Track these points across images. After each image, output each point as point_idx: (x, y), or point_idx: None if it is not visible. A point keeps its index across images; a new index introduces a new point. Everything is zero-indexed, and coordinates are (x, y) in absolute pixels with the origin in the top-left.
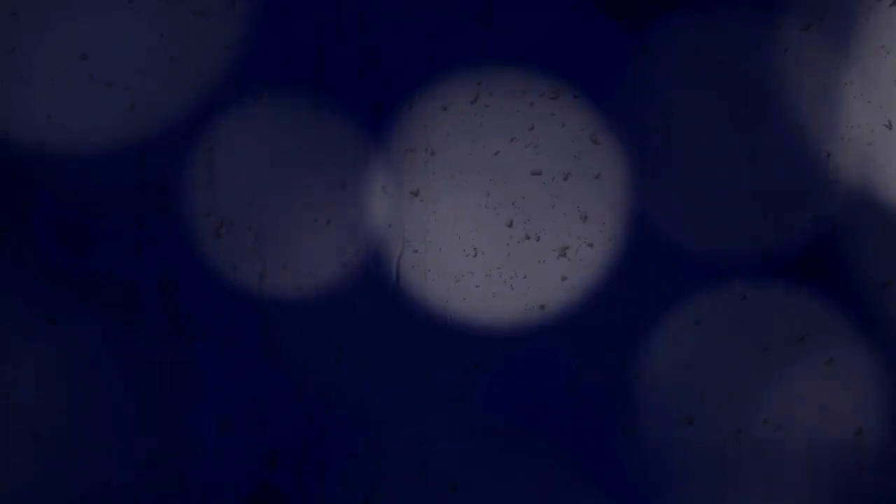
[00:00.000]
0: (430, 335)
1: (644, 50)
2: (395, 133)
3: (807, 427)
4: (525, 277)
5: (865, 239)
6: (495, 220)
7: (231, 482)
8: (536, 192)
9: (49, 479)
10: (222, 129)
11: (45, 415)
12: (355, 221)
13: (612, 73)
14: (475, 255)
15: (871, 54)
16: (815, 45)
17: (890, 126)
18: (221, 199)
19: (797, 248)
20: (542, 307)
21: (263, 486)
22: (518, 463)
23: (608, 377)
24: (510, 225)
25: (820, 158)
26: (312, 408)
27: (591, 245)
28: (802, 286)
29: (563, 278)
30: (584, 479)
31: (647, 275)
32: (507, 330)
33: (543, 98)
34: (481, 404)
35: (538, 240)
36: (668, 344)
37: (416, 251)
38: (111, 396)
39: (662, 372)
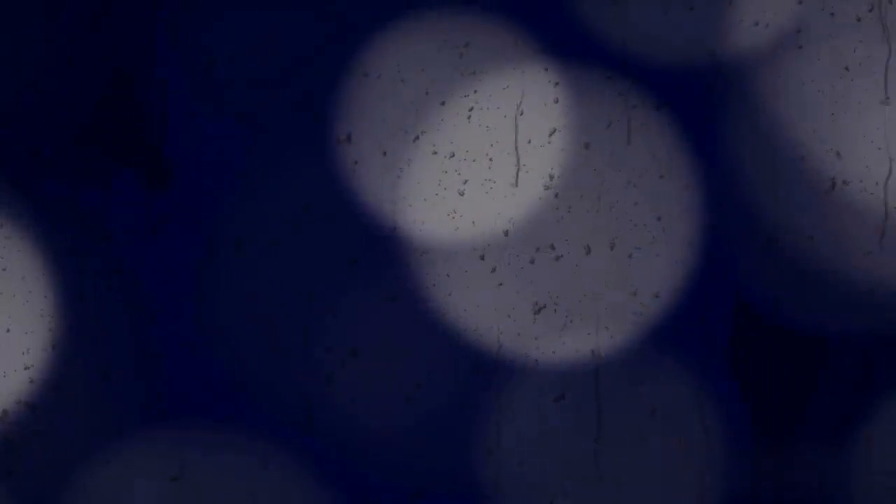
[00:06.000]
0: (431, 338)
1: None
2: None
3: None
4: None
5: None
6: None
7: None
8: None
9: None
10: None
11: None
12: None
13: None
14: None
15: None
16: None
17: None
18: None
19: None
20: (554, 311)
21: None
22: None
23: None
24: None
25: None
26: (311, 407)
27: (612, 246)
28: None
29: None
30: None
31: (663, 279)
32: (513, 335)
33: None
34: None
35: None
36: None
37: (425, 254)
38: None
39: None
